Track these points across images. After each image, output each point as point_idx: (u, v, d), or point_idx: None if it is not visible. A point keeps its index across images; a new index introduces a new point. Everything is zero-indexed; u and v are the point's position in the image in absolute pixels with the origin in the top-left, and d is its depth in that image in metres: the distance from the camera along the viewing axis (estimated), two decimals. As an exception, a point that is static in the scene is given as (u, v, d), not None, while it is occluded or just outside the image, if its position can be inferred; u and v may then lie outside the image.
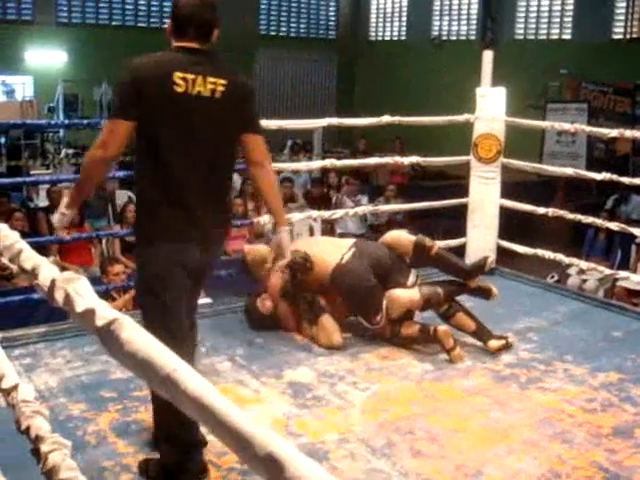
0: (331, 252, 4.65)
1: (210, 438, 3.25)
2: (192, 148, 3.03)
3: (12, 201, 9.18)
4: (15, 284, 6.77)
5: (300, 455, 0.88)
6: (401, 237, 4.82)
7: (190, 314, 3.24)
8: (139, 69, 2.99)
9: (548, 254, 5.91)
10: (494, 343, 4.52)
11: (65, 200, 3.26)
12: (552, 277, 8.11)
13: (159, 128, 2.98)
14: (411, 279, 4.62)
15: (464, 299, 4.82)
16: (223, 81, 3.03)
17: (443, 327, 4.40)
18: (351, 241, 4.85)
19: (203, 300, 5.51)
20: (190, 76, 2.97)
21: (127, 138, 3.02)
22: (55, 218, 3.32)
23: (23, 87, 17.46)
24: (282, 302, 4.74)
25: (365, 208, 7.13)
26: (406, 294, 4.51)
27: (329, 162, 5.95)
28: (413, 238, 4.74)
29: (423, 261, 4.78)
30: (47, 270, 1.43)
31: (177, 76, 2.95)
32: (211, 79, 3.01)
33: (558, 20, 17.74)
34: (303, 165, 7.36)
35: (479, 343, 4.55)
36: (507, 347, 4.53)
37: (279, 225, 3.48)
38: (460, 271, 4.79)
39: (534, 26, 18.20)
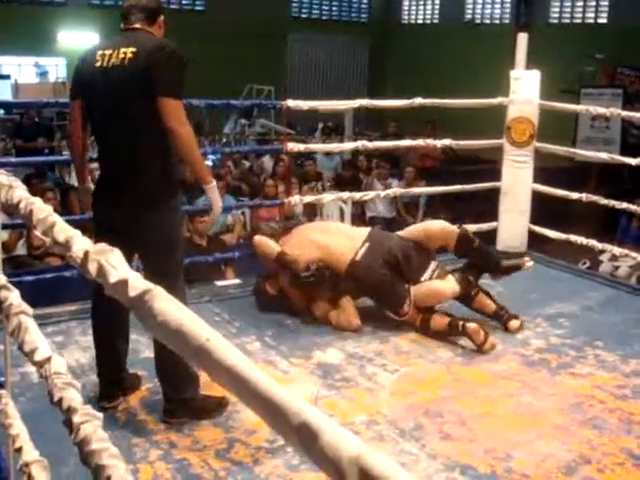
0: (345, 246, 4.56)
1: (240, 416, 3.29)
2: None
3: (45, 182, 9.23)
4: (47, 263, 6.84)
5: (334, 424, 0.87)
6: (445, 227, 4.69)
7: None
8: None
9: (580, 240, 5.85)
10: (515, 323, 4.55)
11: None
12: (584, 263, 8.02)
13: None
14: (428, 272, 4.53)
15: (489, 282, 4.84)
16: (133, 49, 3.17)
17: (472, 324, 4.27)
18: (365, 232, 4.70)
19: (231, 281, 5.54)
20: (107, 52, 3.23)
21: None
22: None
23: (56, 69, 17.59)
24: (293, 287, 4.68)
25: (395, 190, 7.09)
26: (448, 287, 4.46)
27: (361, 144, 5.91)
28: (457, 229, 4.67)
29: (464, 252, 4.71)
30: (80, 242, 1.43)
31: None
32: (123, 49, 3.18)
33: (594, 4, 17.55)
34: (334, 146, 7.34)
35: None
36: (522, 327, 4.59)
37: (203, 184, 3.41)
38: (496, 267, 4.74)
39: (569, 10, 18.02)
